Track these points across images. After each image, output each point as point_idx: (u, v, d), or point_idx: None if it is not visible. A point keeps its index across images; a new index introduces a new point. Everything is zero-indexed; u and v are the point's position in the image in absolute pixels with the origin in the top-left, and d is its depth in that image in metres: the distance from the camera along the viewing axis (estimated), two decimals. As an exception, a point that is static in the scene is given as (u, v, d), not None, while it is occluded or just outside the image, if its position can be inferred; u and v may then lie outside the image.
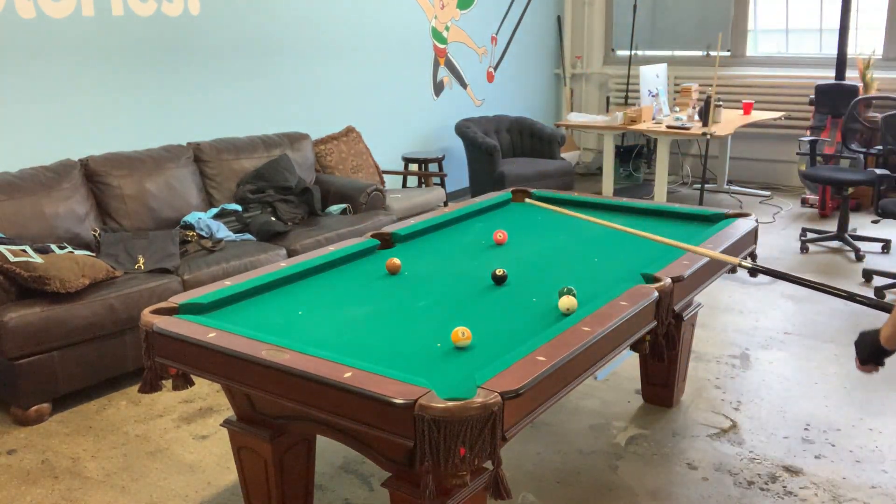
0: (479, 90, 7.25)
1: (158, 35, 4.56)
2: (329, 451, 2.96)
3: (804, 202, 6.71)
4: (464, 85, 7.06)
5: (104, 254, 3.85)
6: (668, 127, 6.25)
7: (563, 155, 6.87)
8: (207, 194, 4.61)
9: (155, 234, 4.09)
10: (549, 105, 8.28)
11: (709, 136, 6.02)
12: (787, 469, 2.89)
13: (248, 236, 4.38)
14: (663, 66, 7.04)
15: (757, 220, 3.23)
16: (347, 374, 1.83)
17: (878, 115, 5.71)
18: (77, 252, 3.66)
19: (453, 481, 1.75)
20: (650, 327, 2.39)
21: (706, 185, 6.73)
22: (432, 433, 1.67)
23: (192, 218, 4.32)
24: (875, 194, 5.11)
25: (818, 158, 6.09)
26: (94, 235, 3.99)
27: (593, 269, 2.76)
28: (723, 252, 2.84)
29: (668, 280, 2.47)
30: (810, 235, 5.62)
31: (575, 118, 7.04)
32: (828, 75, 6.68)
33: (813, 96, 6.59)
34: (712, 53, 7.39)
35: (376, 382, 1.79)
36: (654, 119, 6.61)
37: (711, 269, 2.79)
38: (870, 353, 1.93)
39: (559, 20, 8.21)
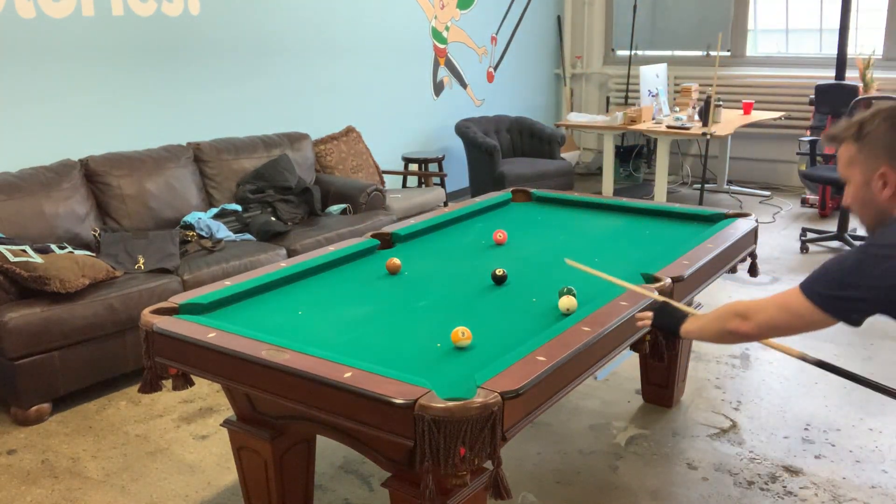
0: (479, 90, 7.25)
1: (158, 35, 4.56)
2: (329, 451, 2.96)
3: (804, 202, 6.71)
4: (464, 85, 7.06)
5: (104, 254, 3.85)
6: (668, 127, 6.25)
7: (563, 155, 6.87)
8: (207, 194, 4.61)
9: (155, 234, 4.09)
10: (549, 105, 8.28)
11: (709, 136, 6.02)
12: (787, 469, 2.89)
13: (248, 236, 4.38)
14: (663, 66, 7.04)
15: (757, 220, 3.23)
16: (347, 374, 1.83)
17: (878, 115, 5.70)
18: (77, 252, 3.65)
19: (453, 481, 1.75)
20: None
21: (706, 185, 6.73)
22: (432, 433, 1.67)
23: (191, 218, 4.32)
24: (875, 194, 5.11)
25: (818, 158, 6.09)
26: (94, 235, 3.99)
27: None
28: (722, 252, 2.85)
29: (668, 280, 2.47)
30: (810, 235, 5.61)
31: (575, 118, 7.04)
32: (828, 75, 6.67)
33: (813, 96, 6.59)
34: (712, 53, 7.39)
35: (376, 382, 1.79)
36: (654, 119, 6.61)
37: (711, 269, 2.79)
38: (663, 326, 2.11)
39: (559, 20, 8.21)
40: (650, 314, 2.15)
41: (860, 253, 1.64)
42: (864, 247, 1.66)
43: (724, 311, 1.90)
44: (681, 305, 2.09)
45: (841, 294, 1.64)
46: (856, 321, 1.68)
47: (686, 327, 2.03)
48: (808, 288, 1.69)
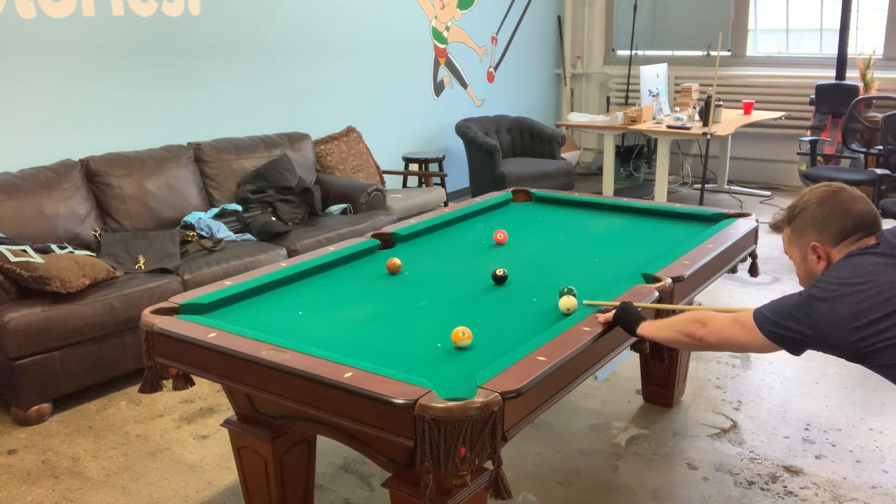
0: (480, 90, 7.25)
1: (159, 35, 4.56)
2: (329, 451, 2.96)
3: (804, 202, 6.69)
4: (464, 85, 7.06)
5: (104, 254, 3.85)
6: (669, 127, 6.25)
7: (563, 155, 6.87)
8: (208, 194, 4.61)
9: (155, 234, 4.09)
10: (549, 105, 8.28)
11: (709, 136, 6.02)
12: (788, 469, 2.89)
13: (248, 236, 4.38)
14: (663, 65, 7.04)
15: (757, 220, 3.22)
16: (348, 374, 1.83)
17: (879, 115, 5.71)
18: (77, 252, 3.66)
19: (454, 481, 1.75)
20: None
21: (706, 185, 6.73)
22: (433, 433, 1.67)
23: (192, 218, 4.32)
24: (875, 194, 5.11)
25: (818, 158, 6.09)
26: (95, 235, 3.99)
27: (593, 268, 2.76)
28: (722, 252, 2.85)
29: (669, 280, 2.47)
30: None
31: (575, 118, 7.04)
32: (828, 75, 6.68)
33: (813, 96, 6.59)
34: (712, 53, 7.39)
35: (376, 382, 1.79)
36: (654, 119, 6.61)
37: (712, 269, 2.79)
38: (622, 324, 2.15)
39: (559, 20, 8.21)
40: (611, 314, 2.18)
41: (805, 294, 1.80)
42: (809, 288, 1.81)
43: (686, 317, 2.04)
44: (635, 310, 2.18)
45: (782, 324, 1.81)
46: (793, 350, 1.84)
47: (644, 327, 2.12)
48: (758, 312, 1.86)
